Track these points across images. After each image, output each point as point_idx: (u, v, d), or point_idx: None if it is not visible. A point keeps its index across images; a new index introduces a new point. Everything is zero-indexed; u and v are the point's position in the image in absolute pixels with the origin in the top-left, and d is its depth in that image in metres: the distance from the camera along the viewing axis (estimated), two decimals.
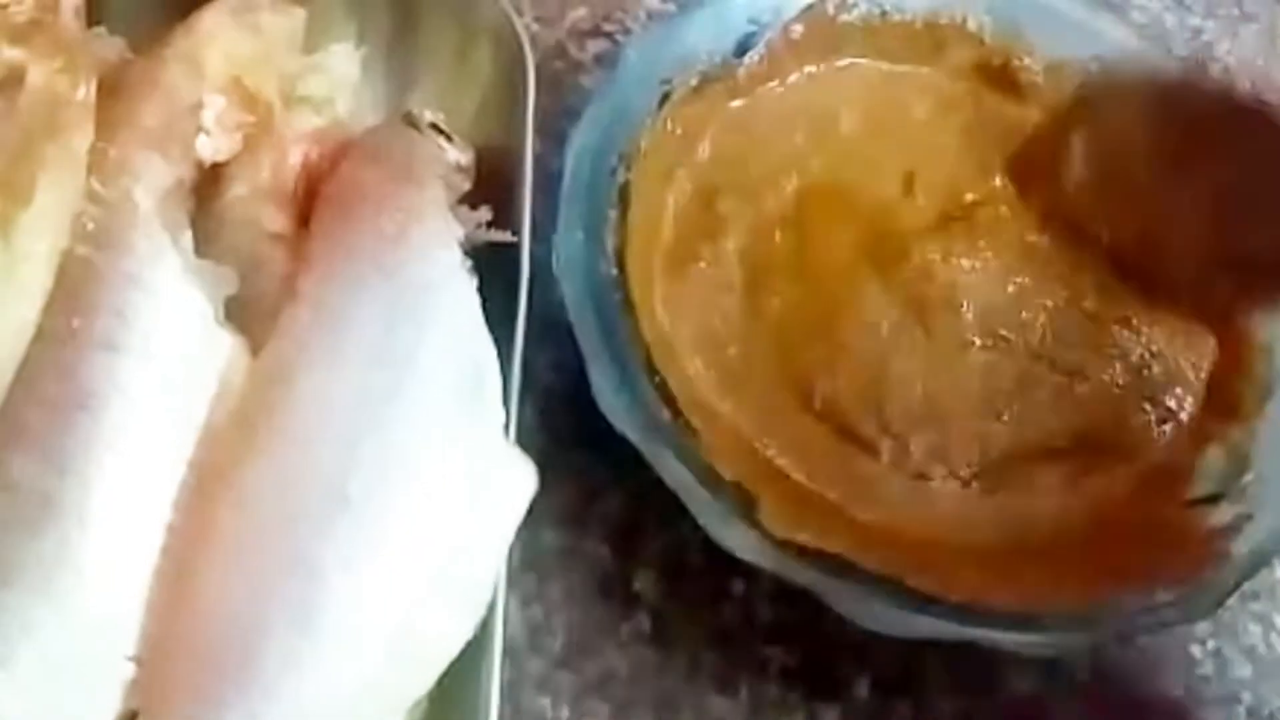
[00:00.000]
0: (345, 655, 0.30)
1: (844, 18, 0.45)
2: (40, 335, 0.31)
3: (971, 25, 0.45)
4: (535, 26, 0.48)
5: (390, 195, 0.36)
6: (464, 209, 0.37)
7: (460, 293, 0.34)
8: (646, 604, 0.38)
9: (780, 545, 0.34)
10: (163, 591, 0.31)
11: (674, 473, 0.35)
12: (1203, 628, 0.39)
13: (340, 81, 0.41)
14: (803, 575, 0.34)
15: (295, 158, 0.38)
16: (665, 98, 0.42)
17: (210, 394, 0.33)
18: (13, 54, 0.33)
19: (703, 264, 0.42)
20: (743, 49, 0.44)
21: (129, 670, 0.30)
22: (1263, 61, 0.52)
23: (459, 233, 0.36)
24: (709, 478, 0.35)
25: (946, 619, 0.34)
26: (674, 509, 0.35)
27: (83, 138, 0.33)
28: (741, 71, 0.44)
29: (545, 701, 0.36)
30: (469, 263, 0.35)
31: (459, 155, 0.39)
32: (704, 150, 0.44)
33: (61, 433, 0.31)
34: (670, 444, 0.35)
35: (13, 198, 0.30)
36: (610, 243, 0.39)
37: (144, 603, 0.31)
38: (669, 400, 0.37)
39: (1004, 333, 0.42)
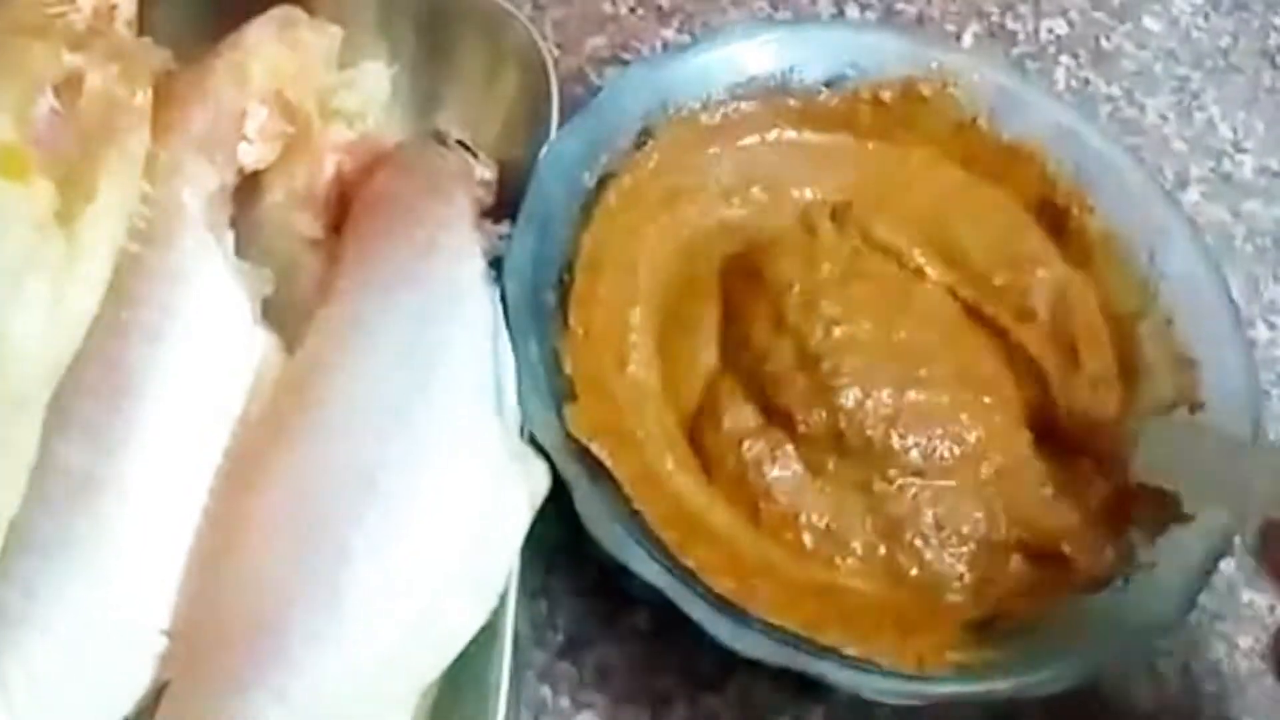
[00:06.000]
0: (368, 636, 0.32)
1: (936, 103, 0.46)
2: (93, 325, 0.33)
3: (1050, 167, 0.45)
4: (556, 52, 0.50)
5: (421, 207, 0.38)
6: (487, 222, 0.40)
7: (484, 300, 0.37)
8: (645, 602, 0.40)
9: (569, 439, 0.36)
10: (196, 570, 0.33)
11: (525, 345, 0.36)
12: (1170, 646, 0.41)
13: (372, 97, 0.44)
14: (568, 469, 0.35)
15: (329, 167, 0.41)
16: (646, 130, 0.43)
17: (246, 386, 0.35)
18: (72, 60, 0.36)
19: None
20: (830, 83, 0.45)
21: (161, 643, 0.32)
22: (1245, 113, 0.54)
23: (483, 244, 0.38)
24: (550, 362, 0.37)
25: (649, 556, 0.35)
26: None
27: (139, 141, 0.35)
28: (820, 98, 0.45)
29: (546, 690, 0.38)
30: (492, 272, 0.38)
31: (484, 171, 0.41)
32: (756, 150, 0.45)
33: (107, 418, 0.33)
34: (536, 321, 0.37)
35: (76, 194, 0.33)
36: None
37: (178, 580, 0.33)
38: (565, 296, 0.39)
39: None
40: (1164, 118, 0.54)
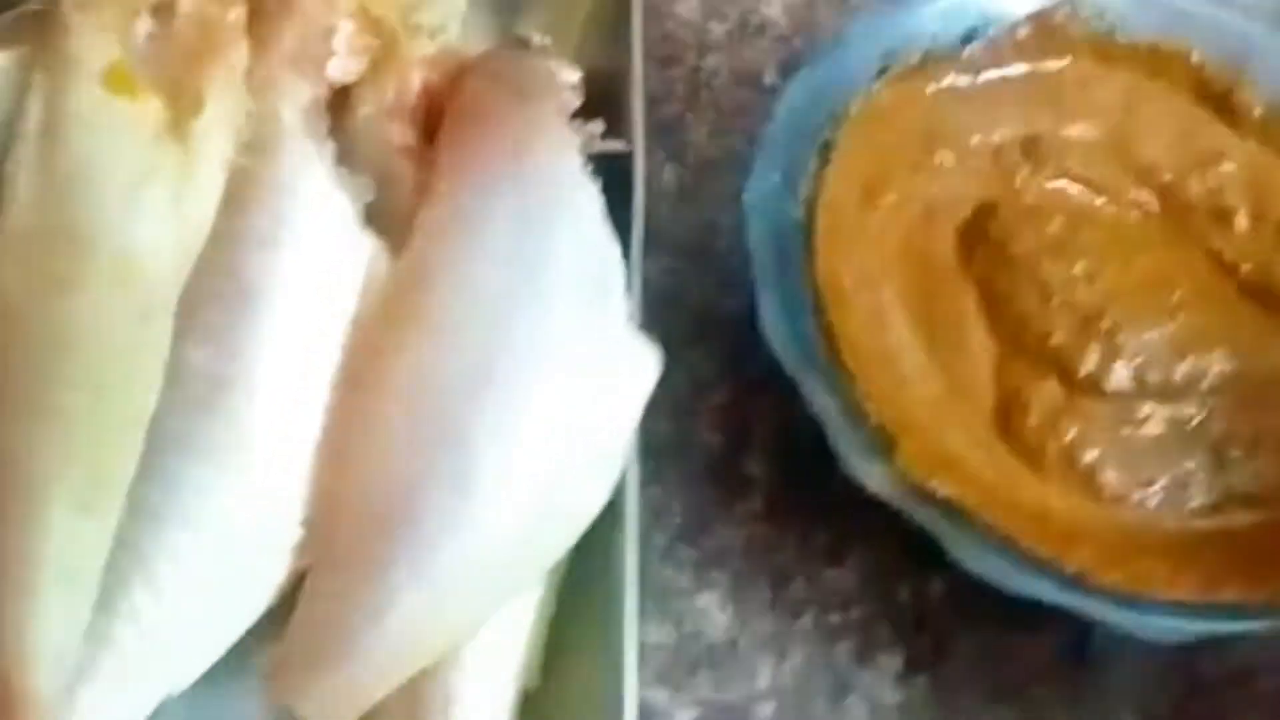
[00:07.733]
0: (496, 515, 0.32)
1: (1072, 28, 0.46)
2: (210, 234, 0.34)
3: (1195, 57, 0.45)
4: None
5: (513, 109, 0.39)
6: (578, 121, 0.40)
7: (585, 195, 0.37)
8: (758, 487, 0.40)
9: (908, 486, 0.36)
10: (325, 464, 0.34)
11: (822, 403, 0.36)
12: None
13: (452, 10, 0.44)
14: (922, 514, 0.35)
15: (416, 80, 0.41)
16: (883, 71, 0.43)
17: (357, 289, 0.36)
18: None
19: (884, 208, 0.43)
20: (967, 39, 0.45)
21: (297, 532, 0.33)
22: None
23: (577, 142, 0.39)
24: (854, 414, 0.37)
25: (1056, 586, 0.35)
26: (781, 401, 0.37)
27: (239, 55, 0.36)
28: (964, 56, 0.45)
29: (669, 571, 0.39)
30: (589, 166, 0.38)
31: (569, 74, 0.41)
32: (915, 117, 0.44)
33: (230, 321, 0.34)
34: (822, 378, 0.37)
35: (184, 108, 0.34)
36: (803, 190, 0.41)
37: (308, 473, 0.34)
38: (830, 340, 0.38)
39: None
40: None
